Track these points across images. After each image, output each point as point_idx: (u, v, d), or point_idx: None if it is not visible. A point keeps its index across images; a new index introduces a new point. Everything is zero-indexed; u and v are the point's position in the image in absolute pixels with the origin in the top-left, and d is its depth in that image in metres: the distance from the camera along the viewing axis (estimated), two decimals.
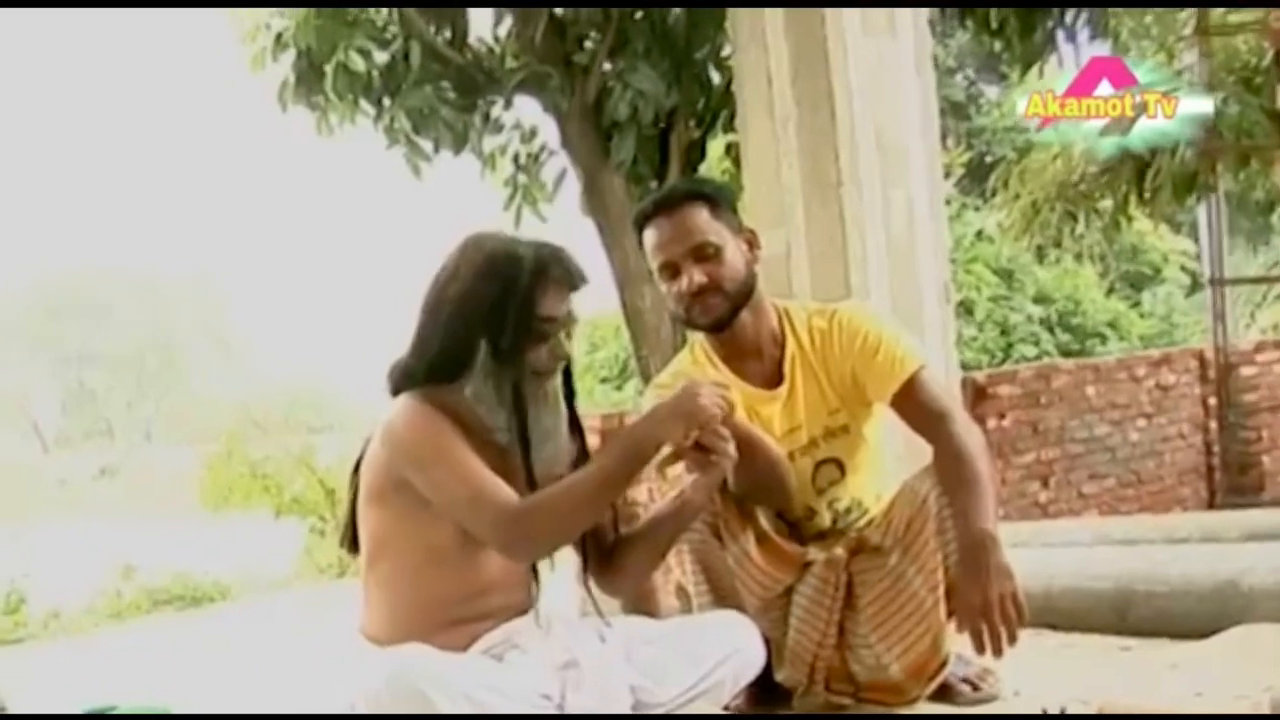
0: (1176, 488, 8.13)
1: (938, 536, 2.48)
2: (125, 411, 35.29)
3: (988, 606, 2.20)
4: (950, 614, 2.44)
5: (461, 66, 7.92)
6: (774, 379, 2.62)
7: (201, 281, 35.37)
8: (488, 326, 2.15)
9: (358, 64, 7.40)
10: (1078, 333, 14.75)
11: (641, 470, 2.18)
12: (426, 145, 7.81)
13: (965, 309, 13.44)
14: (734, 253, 2.56)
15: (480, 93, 8.03)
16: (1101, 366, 8.05)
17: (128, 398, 35.19)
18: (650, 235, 2.58)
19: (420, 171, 7.91)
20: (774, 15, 4.06)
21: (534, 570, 2.24)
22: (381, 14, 7.78)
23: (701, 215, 2.55)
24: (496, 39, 8.19)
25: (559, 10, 7.79)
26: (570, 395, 2.28)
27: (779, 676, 2.62)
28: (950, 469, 2.44)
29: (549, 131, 8.27)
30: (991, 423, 6.89)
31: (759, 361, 2.63)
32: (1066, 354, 13.48)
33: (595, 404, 13.23)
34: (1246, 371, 8.57)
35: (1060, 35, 7.64)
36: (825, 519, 2.66)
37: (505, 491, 2.11)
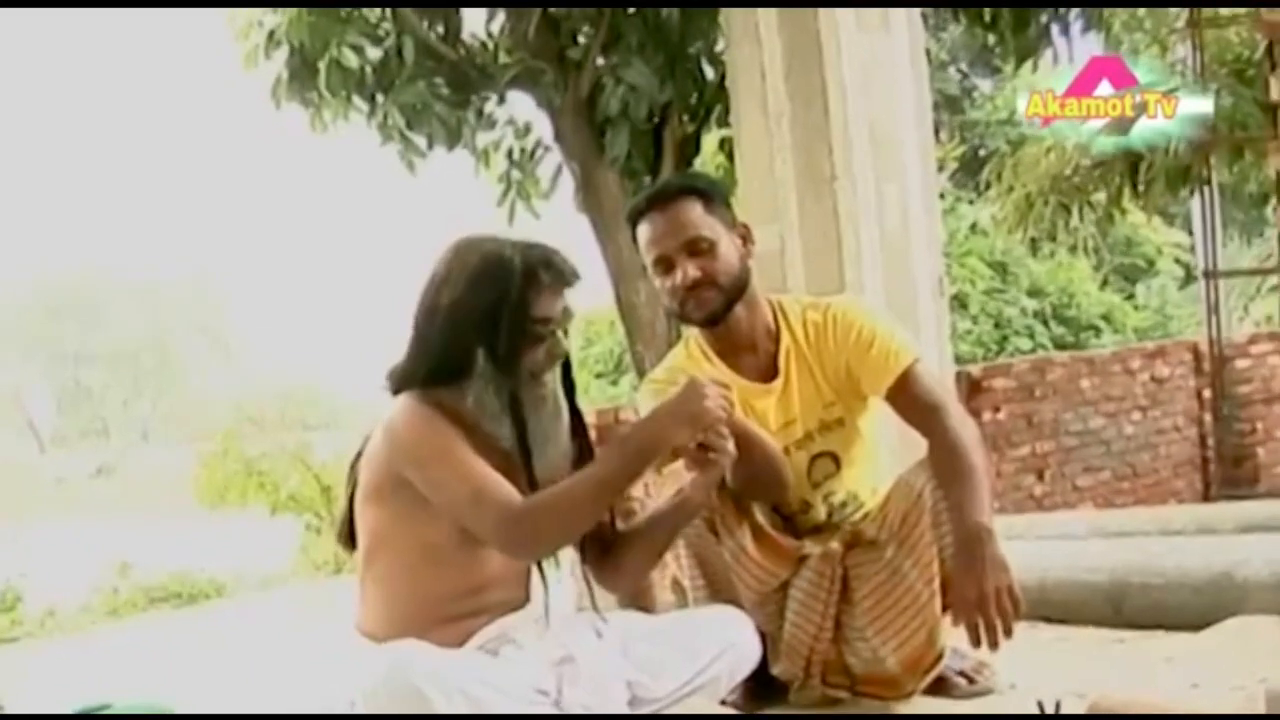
0: (1171, 480, 8.15)
1: (933, 530, 2.47)
2: (121, 410, 35.26)
3: (983, 599, 2.20)
4: (946, 607, 2.44)
5: (455, 62, 7.91)
6: (769, 373, 2.62)
7: (197, 280, 35.34)
8: (483, 333, 2.15)
9: (351, 60, 7.39)
10: (1072, 326, 14.77)
11: (645, 471, 2.18)
12: (420, 141, 7.80)
13: (959, 302, 13.46)
14: (728, 247, 2.56)
15: (474, 88, 8.02)
16: (1096, 359, 8.06)
17: (124, 396, 35.16)
18: (644, 230, 2.58)
19: (414, 168, 7.91)
20: (767, 10, 4.07)
21: (540, 568, 2.24)
22: (374, 10, 7.76)
23: (695, 210, 2.54)
24: (490, 34, 8.18)
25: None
26: (570, 390, 2.28)
27: (775, 670, 2.62)
28: (945, 462, 2.43)
29: (543, 127, 8.28)
30: (986, 416, 6.90)
31: (754, 356, 2.63)
32: (1061, 347, 13.50)
33: (590, 399, 13.21)
34: (1241, 364, 8.59)
35: (1054, 29, 7.64)
36: (821, 513, 2.66)
37: (507, 490, 2.11)
